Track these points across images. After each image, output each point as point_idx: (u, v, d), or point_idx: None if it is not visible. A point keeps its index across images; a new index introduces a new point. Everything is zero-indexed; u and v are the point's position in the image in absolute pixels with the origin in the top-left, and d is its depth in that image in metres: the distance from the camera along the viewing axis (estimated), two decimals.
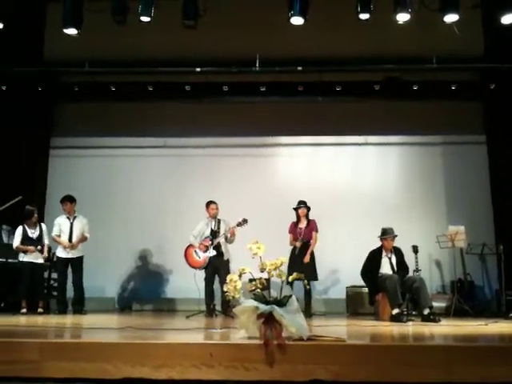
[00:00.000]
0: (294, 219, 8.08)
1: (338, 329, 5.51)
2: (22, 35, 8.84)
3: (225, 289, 3.91)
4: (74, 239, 8.05)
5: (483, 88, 9.39)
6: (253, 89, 9.48)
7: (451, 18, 7.32)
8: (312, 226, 7.96)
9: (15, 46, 8.82)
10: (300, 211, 8.01)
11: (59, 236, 8.08)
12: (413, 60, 8.91)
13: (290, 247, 7.92)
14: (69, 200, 8.19)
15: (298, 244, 7.81)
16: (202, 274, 7.83)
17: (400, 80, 9.31)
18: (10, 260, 8.11)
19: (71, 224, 8.12)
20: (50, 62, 9.37)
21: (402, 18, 7.36)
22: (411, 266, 7.56)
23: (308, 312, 7.39)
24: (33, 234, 7.97)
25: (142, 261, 9.72)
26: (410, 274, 7.42)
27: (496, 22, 7.50)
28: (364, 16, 7.43)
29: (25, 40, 9.07)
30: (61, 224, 8.12)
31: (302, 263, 7.57)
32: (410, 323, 6.45)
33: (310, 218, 8.04)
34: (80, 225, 8.17)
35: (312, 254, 7.81)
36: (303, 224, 7.99)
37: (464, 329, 5.60)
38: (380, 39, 8.70)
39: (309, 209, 8.03)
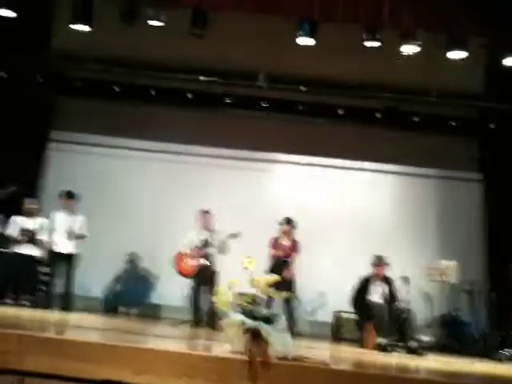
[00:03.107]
0: (273, 235, 8.00)
1: (322, 352, 5.46)
2: (30, 25, 8.80)
3: (213, 300, 3.87)
4: (70, 235, 7.90)
5: (481, 126, 9.50)
6: (255, 103, 9.55)
7: (457, 55, 7.40)
8: (296, 247, 7.90)
9: (22, 35, 8.79)
10: (283, 228, 7.94)
11: (54, 230, 7.95)
12: (414, 91, 8.98)
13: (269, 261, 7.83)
14: (67, 196, 8.11)
15: (281, 254, 7.73)
16: (190, 282, 7.78)
17: (399, 110, 9.37)
18: (1, 250, 8.02)
19: (69, 219, 7.97)
20: (55, 54, 9.34)
21: (408, 49, 7.45)
22: (400, 296, 7.52)
23: (291, 331, 7.31)
24: (27, 224, 7.88)
25: (130, 264, 9.65)
26: (399, 304, 7.38)
27: (499, 63, 7.59)
28: (370, 44, 7.52)
29: (32, 30, 9.03)
30: (56, 218, 8.04)
31: (283, 280, 7.50)
32: (395, 354, 6.40)
33: (296, 238, 7.98)
34: (79, 221, 8.02)
35: (293, 274, 7.72)
36: (286, 241, 7.92)
37: (449, 365, 5.56)
38: (384, 67, 8.73)
39: (294, 228, 7.96)
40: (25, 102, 9.32)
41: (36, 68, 9.32)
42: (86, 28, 7.54)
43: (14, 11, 7.48)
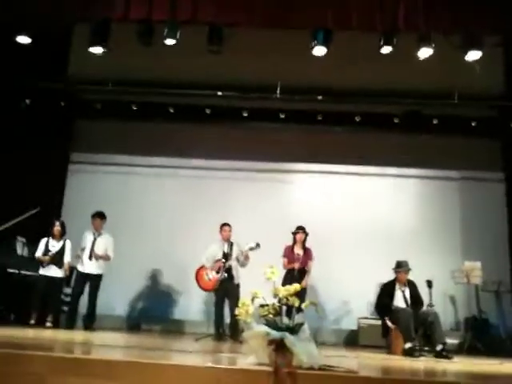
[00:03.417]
0: (287, 243, 8.00)
1: (348, 360, 5.41)
2: (47, 51, 8.98)
3: (236, 312, 3.85)
4: (94, 255, 7.98)
5: (503, 126, 9.37)
6: (272, 115, 9.58)
7: (473, 55, 7.33)
8: (309, 254, 7.92)
9: (41, 62, 8.96)
10: (297, 236, 7.97)
11: (83, 249, 8.05)
12: (433, 95, 8.92)
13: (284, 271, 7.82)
14: (98, 216, 8.20)
15: (296, 266, 7.72)
16: (211, 296, 7.78)
17: (420, 114, 9.32)
18: (22, 272, 8.12)
19: (94, 240, 8.10)
20: (73, 79, 9.52)
21: (425, 53, 7.39)
22: (425, 300, 7.43)
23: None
24: (53, 247, 7.99)
25: (152, 280, 9.69)
26: (424, 308, 7.29)
27: None
28: (386, 49, 7.49)
29: (50, 56, 9.23)
30: (85, 238, 8.12)
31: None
32: (423, 358, 6.33)
33: (310, 244, 7.98)
34: (104, 242, 8.13)
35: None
36: (300, 250, 7.94)
37: (477, 367, 5.48)
38: (401, 72, 8.72)
39: (307, 235, 7.98)
40: (45, 126, 9.51)
41: (56, 93, 9.49)
42: (102, 50, 7.64)
43: (31, 37, 7.64)
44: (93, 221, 8.19)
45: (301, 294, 7.11)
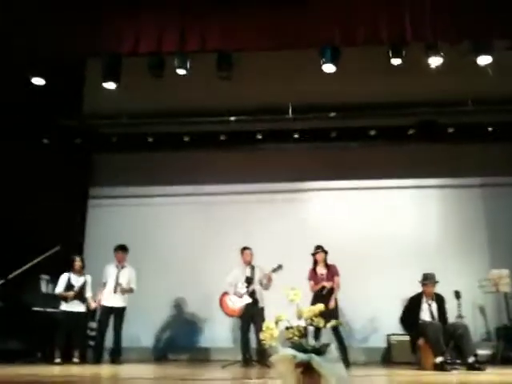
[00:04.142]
0: (309, 267, 7.86)
1: (378, 379, 5.31)
2: (62, 90, 9.13)
3: (261, 337, 3.82)
4: (119, 288, 8.04)
5: None
6: (286, 136, 9.58)
7: (485, 59, 7.29)
8: (333, 270, 7.73)
9: (56, 100, 9.12)
10: (318, 256, 7.81)
11: (105, 284, 8.10)
12: (447, 103, 8.86)
13: (311, 293, 7.66)
14: (121, 249, 8.27)
15: (328, 284, 7.58)
16: (237, 322, 7.74)
17: (435, 123, 9.27)
18: (48, 309, 8.15)
19: (118, 273, 8.15)
20: (88, 114, 9.65)
21: (435, 61, 7.37)
22: (454, 312, 7.31)
23: (346, 361, 7.14)
24: (76, 282, 8.02)
25: (177, 310, 9.68)
26: (453, 320, 7.15)
27: None
28: (396, 61, 7.49)
29: (65, 94, 9.37)
30: (108, 272, 8.18)
31: (327, 309, 7.36)
32: (455, 372, 6.20)
33: (332, 262, 7.82)
34: (127, 275, 8.19)
35: (335, 300, 7.60)
36: (323, 269, 7.78)
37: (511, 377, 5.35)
38: (413, 83, 8.66)
39: (326, 253, 7.87)
40: (64, 163, 9.63)
41: (72, 130, 9.64)
42: (115, 86, 7.76)
43: (45, 77, 7.78)
44: (116, 254, 8.25)
45: (332, 313, 7.11)
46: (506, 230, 9.27)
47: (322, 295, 7.54)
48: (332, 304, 7.45)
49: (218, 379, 4.94)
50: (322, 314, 4.13)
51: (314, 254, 7.86)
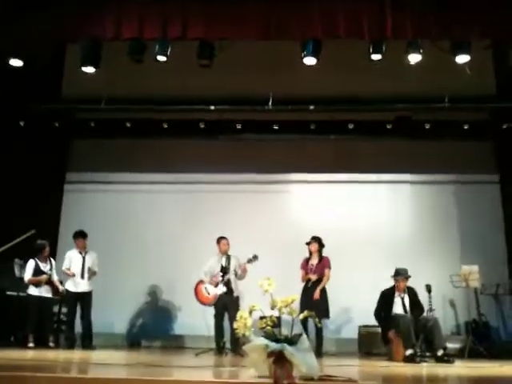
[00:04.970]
0: (305, 256, 8.01)
1: (349, 369, 5.40)
2: (40, 73, 9.03)
3: (235, 326, 3.86)
4: (86, 274, 8.06)
5: (495, 127, 9.42)
6: (266, 127, 9.58)
7: (463, 58, 7.41)
8: (324, 262, 7.84)
9: (34, 84, 9.01)
10: (311, 246, 7.92)
11: (69, 269, 8.08)
12: (425, 99, 8.95)
13: (302, 284, 7.82)
14: (82, 236, 8.24)
15: (313, 277, 7.70)
16: (211, 310, 7.78)
17: (411, 119, 9.37)
18: (21, 294, 8.11)
19: (83, 259, 8.14)
20: (67, 99, 9.56)
21: (414, 58, 7.47)
22: (425, 305, 7.43)
23: (319, 351, 7.25)
24: (44, 267, 8.01)
25: (151, 297, 9.67)
26: (424, 313, 7.29)
27: (507, 62, 7.56)
28: (376, 57, 7.57)
29: (43, 78, 9.27)
30: (72, 258, 8.15)
31: (313, 300, 7.47)
32: (424, 364, 6.33)
33: (324, 255, 7.98)
34: (91, 259, 8.20)
35: (324, 292, 7.70)
36: (315, 260, 7.89)
37: (479, 370, 5.48)
38: (392, 79, 8.76)
39: (322, 245, 7.95)
40: (41, 147, 9.53)
41: (50, 113, 9.51)
42: (94, 70, 7.69)
43: (24, 60, 7.69)
44: (76, 241, 8.22)
45: (319, 305, 7.20)
46: (477, 227, 9.42)
47: (308, 287, 7.65)
48: (316, 295, 7.55)
49: (191, 366, 4.97)
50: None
51: (307, 244, 7.93)
